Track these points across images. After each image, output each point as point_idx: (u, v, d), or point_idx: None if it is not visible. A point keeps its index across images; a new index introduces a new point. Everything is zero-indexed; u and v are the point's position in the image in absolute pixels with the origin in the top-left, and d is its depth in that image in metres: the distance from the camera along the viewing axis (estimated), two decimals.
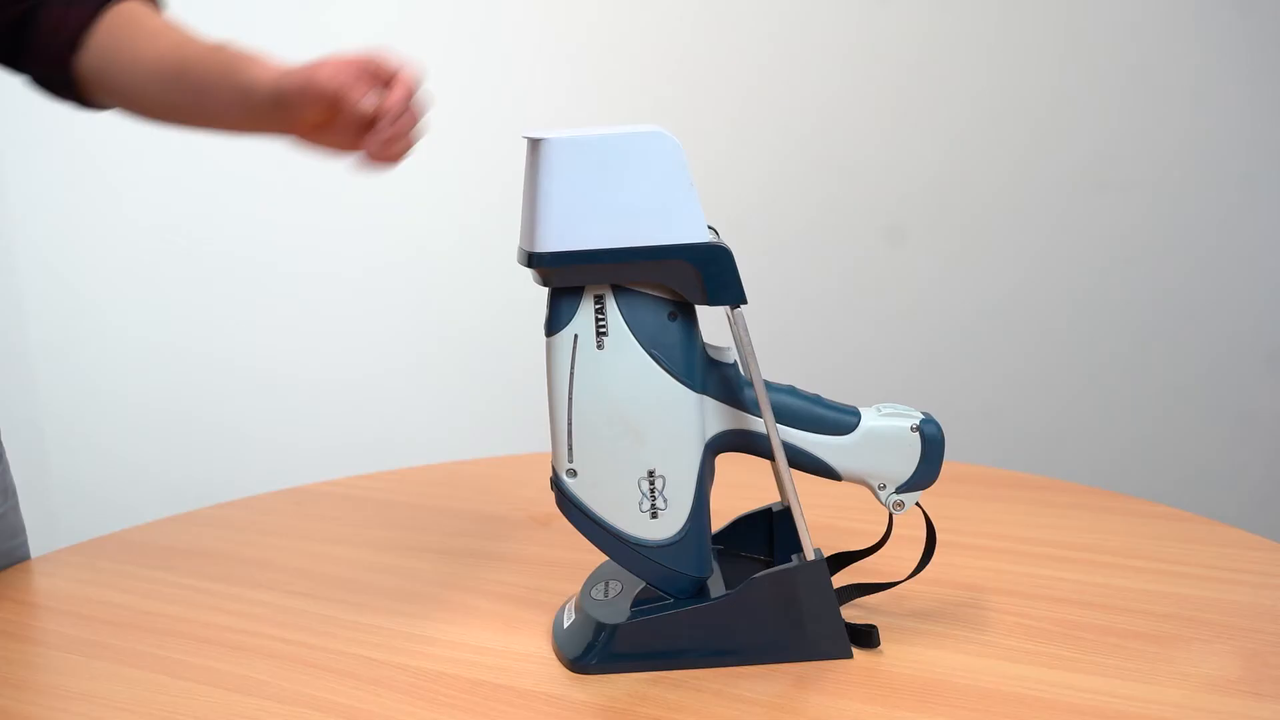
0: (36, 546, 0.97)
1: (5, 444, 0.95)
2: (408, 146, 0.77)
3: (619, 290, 0.69)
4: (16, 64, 0.89)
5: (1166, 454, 1.89)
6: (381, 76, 0.76)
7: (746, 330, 0.70)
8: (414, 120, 0.77)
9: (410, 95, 0.76)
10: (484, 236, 1.59)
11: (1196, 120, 1.81)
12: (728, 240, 0.70)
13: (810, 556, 0.71)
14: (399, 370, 1.82)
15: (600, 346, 0.69)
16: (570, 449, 0.70)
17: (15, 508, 0.95)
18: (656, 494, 0.71)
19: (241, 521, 1.01)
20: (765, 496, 0.82)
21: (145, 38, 0.85)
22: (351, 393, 1.81)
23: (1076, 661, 0.70)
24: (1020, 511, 0.95)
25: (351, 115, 0.75)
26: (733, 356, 0.72)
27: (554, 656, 0.74)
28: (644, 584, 0.73)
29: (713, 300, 0.68)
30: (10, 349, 1.67)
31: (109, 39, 0.86)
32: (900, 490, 0.72)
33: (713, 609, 0.71)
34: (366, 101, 0.74)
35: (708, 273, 0.68)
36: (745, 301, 0.69)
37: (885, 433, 0.71)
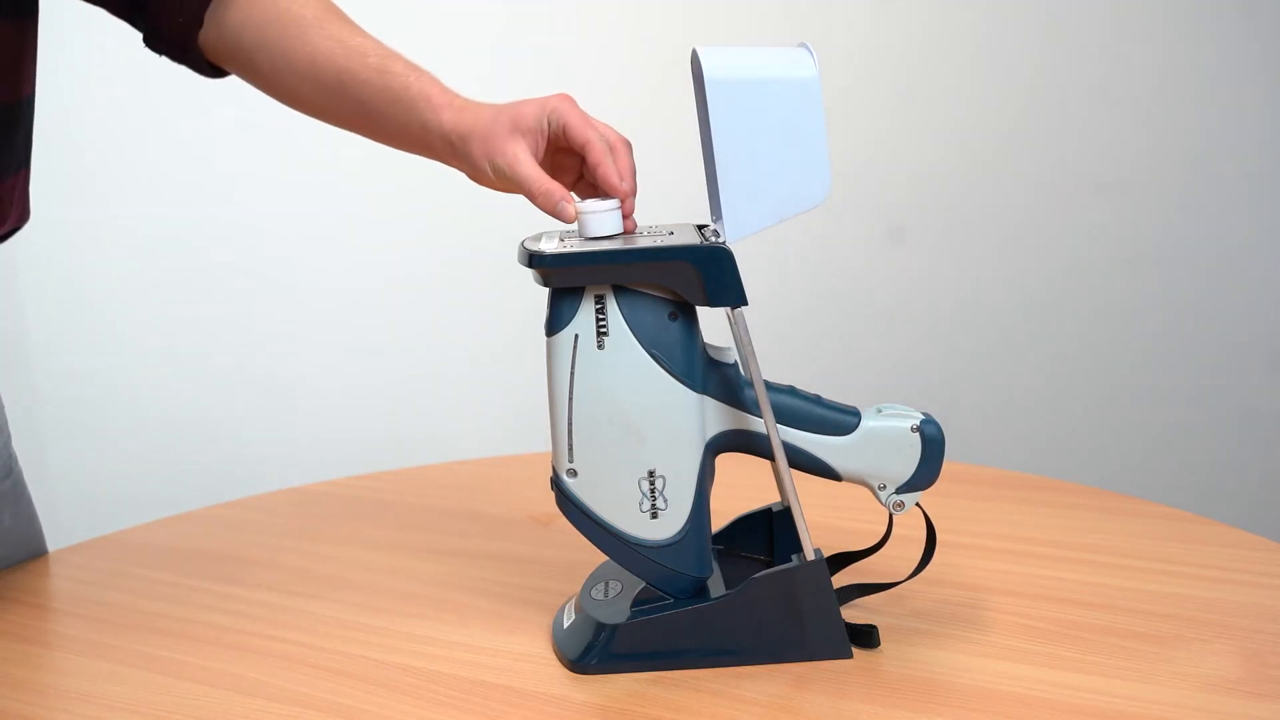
0: None
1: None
2: None
3: (619, 290, 0.69)
4: (132, 20, 0.86)
5: (1167, 454, 1.89)
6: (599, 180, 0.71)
7: (747, 331, 0.70)
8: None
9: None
10: (484, 236, 1.59)
11: (1199, 120, 1.81)
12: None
13: (810, 556, 0.71)
14: (399, 370, 1.82)
15: (601, 347, 0.69)
16: (570, 449, 0.70)
17: (31, 514, 0.95)
18: (656, 494, 0.71)
19: (241, 521, 1.01)
20: (765, 496, 0.82)
21: (294, 32, 0.80)
22: (351, 393, 1.81)
23: (1076, 661, 0.70)
24: (1020, 511, 0.95)
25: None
26: (733, 357, 0.72)
27: (554, 656, 0.74)
28: (644, 584, 0.73)
29: (713, 301, 0.68)
30: (10, 349, 1.67)
31: (246, 21, 0.81)
32: (900, 490, 0.72)
33: (713, 609, 0.71)
34: (567, 213, 0.70)
35: (708, 274, 0.68)
36: (746, 303, 0.69)
37: (885, 433, 0.71)
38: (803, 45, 0.69)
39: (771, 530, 0.79)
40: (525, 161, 0.71)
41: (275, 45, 0.81)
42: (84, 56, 1.47)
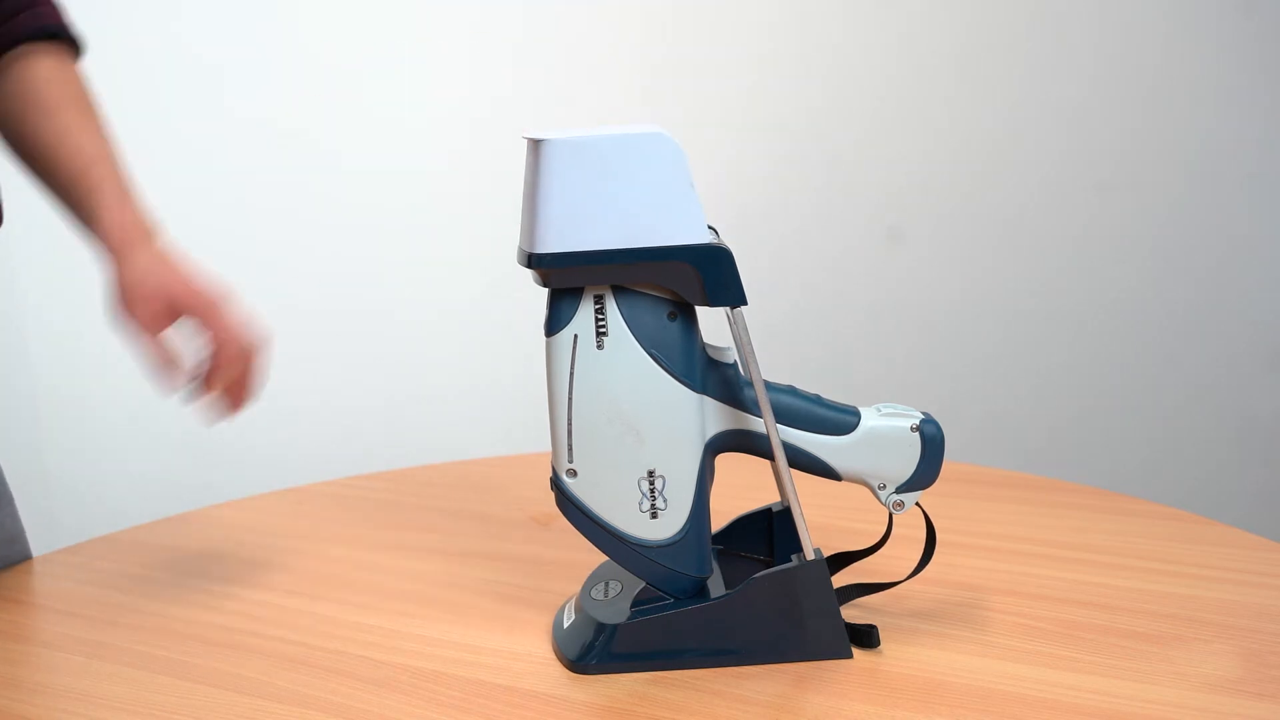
0: (36, 546, 0.97)
1: (4, 446, 0.95)
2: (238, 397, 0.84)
3: (619, 290, 0.69)
4: None
5: (1167, 454, 1.89)
6: (212, 336, 0.82)
7: (746, 330, 0.70)
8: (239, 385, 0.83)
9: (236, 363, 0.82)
10: (483, 236, 1.59)
11: (1199, 121, 1.81)
12: (728, 241, 0.70)
13: (810, 556, 0.71)
14: (399, 370, 1.82)
15: (600, 346, 0.69)
16: (570, 449, 0.70)
17: (13, 514, 0.95)
18: (656, 494, 0.71)
19: (241, 521, 1.01)
20: (765, 496, 0.82)
21: (32, 116, 0.85)
22: (351, 392, 1.81)
23: (1076, 661, 0.70)
24: (1020, 511, 0.96)
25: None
26: (733, 356, 0.72)
27: (554, 656, 0.74)
28: (644, 584, 0.73)
29: (713, 301, 0.68)
30: (10, 349, 1.67)
31: (9, 91, 0.86)
32: (900, 490, 0.72)
33: (713, 609, 0.71)
34: (165, 374, 0.80)
35: (707, 274, 0.68)
36: (745, 303, 0.69)
37: (885, 433, 0.71)
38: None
39: (771, 530, 0.80)
40: (145, 339, 0.81)
41: (19, 123, 0.86)
42: (88, 59, 1.47)
